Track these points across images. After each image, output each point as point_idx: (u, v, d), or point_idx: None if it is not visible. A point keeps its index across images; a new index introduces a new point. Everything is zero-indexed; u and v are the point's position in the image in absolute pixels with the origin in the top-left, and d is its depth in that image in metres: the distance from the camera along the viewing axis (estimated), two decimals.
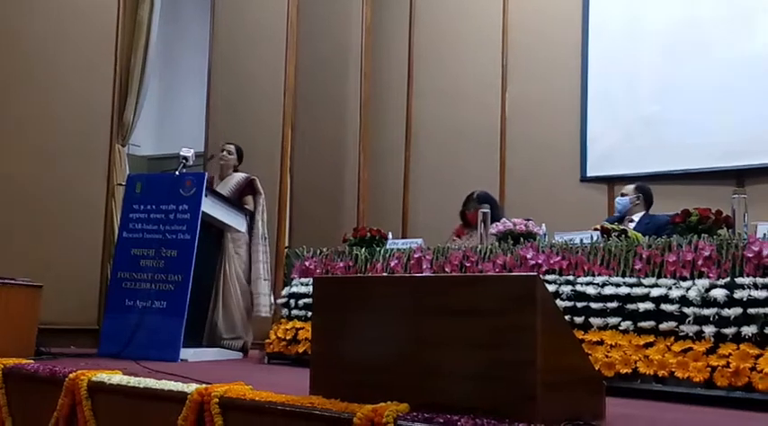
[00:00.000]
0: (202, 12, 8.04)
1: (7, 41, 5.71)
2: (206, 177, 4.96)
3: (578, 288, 3.56)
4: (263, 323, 5.36)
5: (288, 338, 4.65)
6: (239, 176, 5.54)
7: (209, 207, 4.92)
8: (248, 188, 5.48)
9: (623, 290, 3.41)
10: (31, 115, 5.80)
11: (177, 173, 4.93)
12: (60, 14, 6.02)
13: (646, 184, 5.37)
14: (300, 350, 4.52)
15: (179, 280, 4.67)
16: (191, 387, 2.64)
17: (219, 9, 7.50)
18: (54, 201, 5.83)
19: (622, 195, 5.22)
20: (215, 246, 5.21)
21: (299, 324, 4.66)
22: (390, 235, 4.87)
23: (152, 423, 2.73)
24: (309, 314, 4.56)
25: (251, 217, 5.41)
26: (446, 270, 4.13)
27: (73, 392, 3.00)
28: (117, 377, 2.98)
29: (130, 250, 4.90)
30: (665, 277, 3.37)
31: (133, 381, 2.90)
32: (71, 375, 3.05)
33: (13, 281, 4.21)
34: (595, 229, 3.90)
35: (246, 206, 5.40)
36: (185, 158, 5.05)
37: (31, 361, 3.55)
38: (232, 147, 5.58)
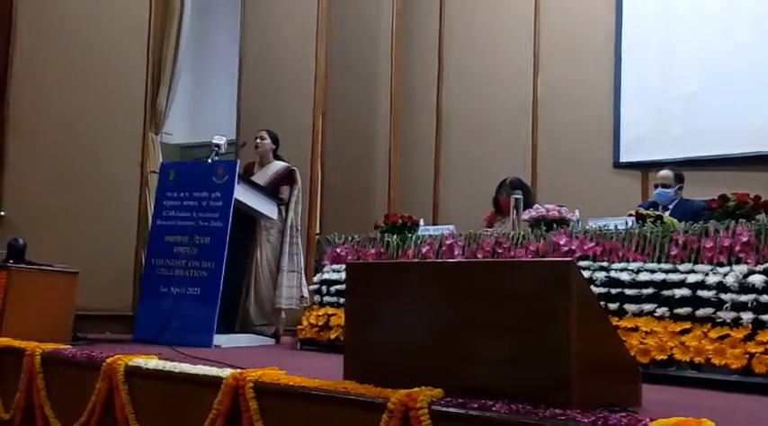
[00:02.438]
0: (234, 0, 8.06)
1: (41, 31, 5.77)
2: (238, 164, 4.98)
3: (612, 274, 3.53)
4: (295, 309, 5.38)
5: (320, 324, 4.67)
6: (279, 165, 5.54)
7: (241, 194, 4.95)
8: (287, 177, 5.48)
9: (659, 276, 3.37)
10: (65, 104, 5.86)
11: (210, 160, 4.96)
12: (92, 2, 6.07)
13: (678, 169, 5.27)
14: (332, 337, 4.54)
15: (212, 267, 4.72)
16: (225, 372, 2.66)
17: None
18: (89, 189, 5.90)
19: (664, 186, 5.06)
20: (248, 234, 5.24)
21: (330, 311, 4.67)
22: (422, 222, 4.86)
23: (187, 407, 2.75)
24: (341, 300, 4.57)
25: (285, 207, 5.42)
26: (478, 256, 4.12)
27: (110, 376, 3.04)
28: (153, 362, 3.01)
29: (164, 237, 4.95)
30: (702, 263, 3.32)
31: (169, 366, 2.94)
32: (108, 360, 3.09)
33: (50, 268, 4.28)
34: (630, 215, 3.86)
35: (281, 195, 5.40)
36: (217, 146, 5.08)
37: (69, 347, 3.60)
38: (265, 133, 5.59)
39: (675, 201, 5.01)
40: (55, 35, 5.85)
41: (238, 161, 5.16)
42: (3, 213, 5.45)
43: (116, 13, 6.20)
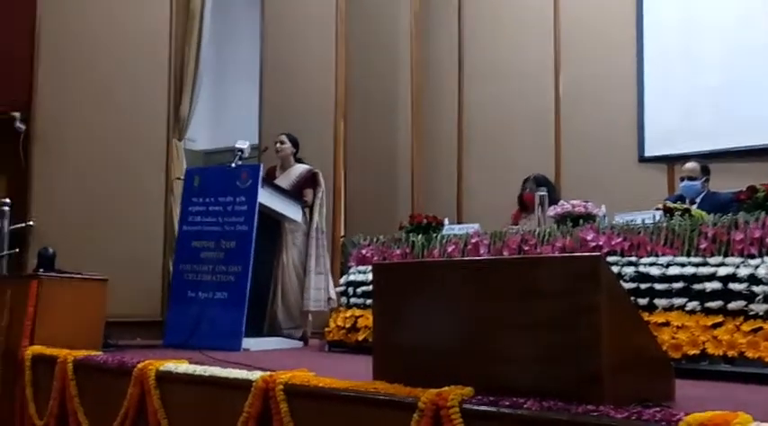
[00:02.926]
0: (252, 5, 8.10)
1: (65, 44, 5.85)
2: (262, 168, 5.00)
3: (641, 269, 3.49)
4: (323, 311, 5.39)
5: (347, 326, 4.67)
6: (302, 168, 5.56)
7: (265, 198, 4.97)
8: (310, 180, 5.50)
9: (689, 270, 3.33)
10: (90, 114, 5.94)
11: (233, 165, 4.99)
12: (113, 10, 6.13)
13: (704, 161, 5.21)
14: (360, 338, 4.54)
15: (239, 271, 4.74)
16: (255, 375, 2.67)
17: (269, 1, 7.55)
18: (115, 197, 5.96)
19: (690, 179, 4.99)
20: (273, 237, 5.26)
21: (357, 312, 4.67)
22: (446, 222, 4.85)
23: (219, 411, 2.77)
24: (368, 301, 4.58)
25: (309, 210, 5.43)
26: (504, 254, 4.10)
27: (141, 381, 3.06)
28: (184, 367, 3.03)
29: (191, 242, 4.99)
30: (732, 255, 3.28)
31: (199, 370, 2.95)
32: (139, 365, 3.11)
33: (79, 276, 4.32)
34: (657, 209, 3.82)
35: (305, 198, 5.42)
36: (241, 150, 5.11)
37: (100, 353, 3.64)
38: (284, 137, 5.61)
39: (703, 194, 4.95)
40: (78, 46, 5.93)
41: (262, 165, 5.18)
42: (32, 223, 5.53)
43: (137, 22, 6.26)
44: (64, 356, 3.53)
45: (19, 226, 5.54)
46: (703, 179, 4.99)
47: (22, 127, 5.76)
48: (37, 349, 3.79)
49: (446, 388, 2.13)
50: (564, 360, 2.11)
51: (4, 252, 5.35)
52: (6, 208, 5.43)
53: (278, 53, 7.43)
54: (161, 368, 3.06)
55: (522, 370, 2.19)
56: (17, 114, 5.76)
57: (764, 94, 5.91)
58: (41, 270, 4.29)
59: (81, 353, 3.55)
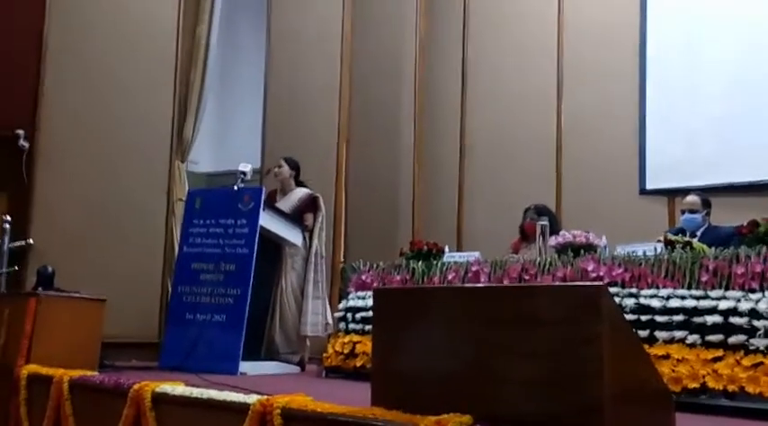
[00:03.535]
0: (258, 29, 8.17)
1: (70, 61, 5.88)
2: (264, 191, 5.01)
3: (642, 300, 3.48)
4: (321, 337, 5.37)
5: (345, 352, 4.65)
6: (302, 192, 5.56)
7: (266, 221, 4.97)
8: (311, 205, 5.50)
9: (689, 303, 3.33)
10: (93, 133, 5.95)
11: (236, 187, 4.99)
12: (120, 32, 6.18)
13: (705, 195, 5.21)
14: (358, 364, 4.52)
15: (238, 294, 4.73)
16: (252, 398, 2.64)
17: (275, 26, 7.61)
18: (116, 217, 5.96)
19: (691, 211, 4.99)
20: (273, 260, 5.26)
21: (356, 338, 4.65)
22: (447, 249, 4.85)
23: None
24: (366, 327, 4.56)
25: (309, 234, 5.42)
26: (504, 283, 4.09)
27: (137, 403, 3.04)
28: (180, 389, 3.01)
29: (191, 264, 4.98)
30: (734, 289, 3.27)
31: (196, 392, 2.93)
32: (135, 386, 3.09)
33: (77, 295, 4.31)
34: (659, 241, 3.82)
35: (306, 222, 5.41)
36: (243, 173, 5.12)
37: (96, 373, 3.62)
38: (282, 161, 5.62)
39: (704, 227, 4.95)
40: (83, 65, 5.96)
41: (264, 188, 5.19)
42: (32, 241, 5.52)
43: (143, 43, 6.31)
44: (60, 375, 3.51)
45: (19, 243, 5.53)
46: (704, 212, 4.99)
47: (26, 144, 5.78)
48: (33, 368, 3.76)
49: (445, 416, 2.12)
50: (564, 390, 2.10)
51: (3, 270, 5.33)
52: (7, 226, 5.44)
53: (282, 77, 7.48)
54: (157, 390, 3.03)
55: (522, 399, 2.17)
56: (21, 132, 5.78)
57: (764, 130, 5.93)
58: (40, 288, 4.28)
59: (77, 373, 3.53)
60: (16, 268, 5.45)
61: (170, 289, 5.61)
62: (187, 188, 6.41)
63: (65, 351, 3.92)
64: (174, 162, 6.45)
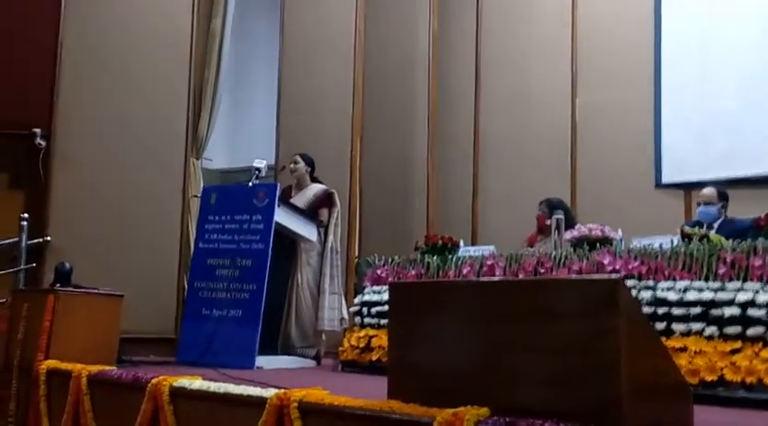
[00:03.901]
0: (271, 26, 8.18)
1: (85, 62, 5.93)
2: (279, 187, 5.02)
3: (659, 293, 3.47)
4: (337, 331, 5.38)
5: (361, 346, 4.66)
6: (317, 188, 5.57)
7: (281, 217, 4.98)
8: (326, 200, 5.51)
9: (707, 295, 3.31)
10: (109, 131, 6.00)
11: (250, 183, 5.01)
12: (135, 30, 6.21)
13: (722, 187, 5.18)
14: (374, 358, 4.53)
15: (254, 289, 4.75)
16: (269, 392, 2.66)
17: (288, 23, 7.62)
18: (132, 213, 6.00)
19: (706, 204, 4.97)
20: (288, 256, 5.27)
21: (371, 332, 4.66)
22: (462, 243, 4.84)
23: None
24: (382, 321, 4.57)
25: (324, 229, 5.43)
26: (520, 276, 4.08)
27: (155, 397, 3.06)
28: (197, 383, 3.03)
29: (206, 260, 5.00)
30: (751, 281, 3.25)
31: (213, 386, 2.95)
32: (153, 380, 3.11)
33: (95, 291, 4.34)
34: (675, 233, 3.80)
35: (321, 217, 5.43)
36: (258, 169, 5.14)
37: (114, 368, 3.64)
38: (299, 157, 5.62)
39: (720, 220, 4.92)
40: (98, 64, 6.00)
41: (279, 184, 5.20)
42: (49, 238, 5.57)
43: (158, 40, 6.34)
44: (78, 370, 3.54)
45: (37, 241, 5.59)
46: (720, 204, 4.96)
47: (43, 143, 5.83)
48: (52, 363, 3.80)
49: (462, 409, 2.12)
50: (581, 384, 2.09)
51: (22, 267, 5.40)
52: (24, 223, 5.49)
53: (296, 74, 7.49)
54: (175, 384, 3.05)
55: (539, 392, 2.17)
56: (38, 131, 5.83)
57: None
58: (58, 284, 4.32)
59: (95, 368, 3.56)
60: (34, 265, 5.51)
61: (186, 285, 5.64)
62: (202, 185, 6.43)
63: (83, 347, 3.96)
64: (188, 159, 6.48)
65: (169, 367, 4.23)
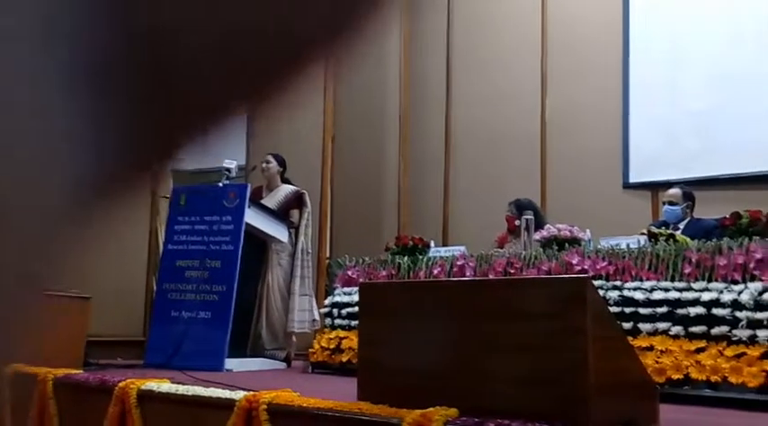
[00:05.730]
0: None
1: None
2: (249, 188, 5.00)
3: (626, 293, 3.50)
4: (307, 333, 5.36)
5: (331, 347, 4.65)
6: (288, 189, 5.55)
7: (251, 218, 4.95)
8: (297, 201, 5.49)
9: (673, 295, 3.35)
10: None
11: (221, 184, 4.98)
12: None
13: (688, 188, 5.25)
14: (344, 360, 4.52)
15: (223, 291, 4.72)
16: (239, 395, 2.65)
17: None
18: (99, 214, 5.93)
19: (671, 203, 5.04)
20: (258, 257, 5.24)
21: (342, 334, 4.65)
22: (432, 244, 4.85)
23: None
24: (353, 323, 4.56)
25: (295, 231, 5.42)
26: (490, 277, 4.10)
27: (123, 400, 3.03)
28: (165, 386, 3.00)
29: (175, 261, 4.96)
30: (716, 281, 3.30)
31: (181, 389, 2.93)
32: (121, 384, 3.08)
33: (62, 293, 4.28)
34: (642, 234, 3.84)
35: (291, 219, 5.41)
36: (228, 170, 5.10)
37: (81, 372, 3.60)
38: (271, 157, 5.60)
39: (687, 220, 4.98)
40: None
41: (250, 184, 5.18)
42: None
43: None
44: (44, 374, 3.49)
45: None
46: (684, 204, 5.03)
47: None
48: (16, 366, 3.73)
49: (431, 409, 2.13)
50: (549, 382, 2.11)
51: None
52: None
53: None
54: (142, 387, 3.03)
55: (508, 391, 2.19)
56: None
57: (748, 122, 5.99)
58: None
59: (61, 371, 3.51)
60: None
61: (155, 287, 5.58)
62: (171, 185, 6.37)
63: (49, 350, 3.90)
64: None
65: (137, 370, 4.19)
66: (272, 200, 5.45)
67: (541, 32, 7.09)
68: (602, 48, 6.77)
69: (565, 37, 6.96)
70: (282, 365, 5.15)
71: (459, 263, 4.29)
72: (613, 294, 3.53)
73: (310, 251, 5.53)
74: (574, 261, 3.79)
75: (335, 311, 4.81)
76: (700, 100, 6.28)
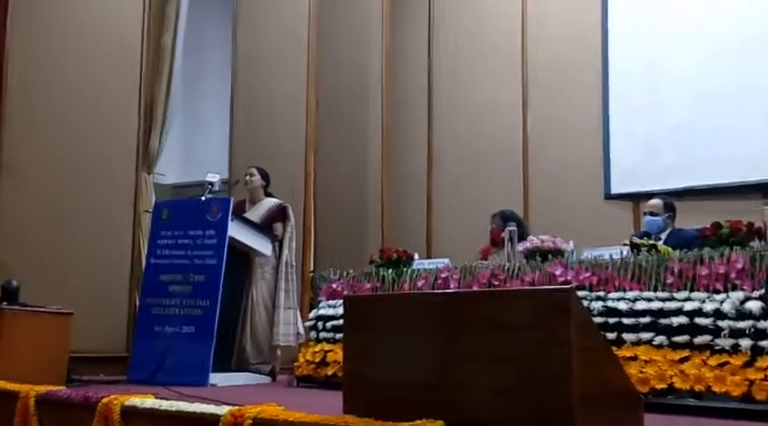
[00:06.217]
0: (224, 40, 8.14)
1: (32, 72, 5.80)
2: (232, 201, 4.99)
3: (609, 303, 3.53)
4: (292, 346, 5.34)
5: (316, 361, 4.64)
6: (271, 202, 5.54)
7: (235, 231, 4.94)
8: (280, 214, 5.48)
9: (656, 305, 3.38)
10: (57, 145, 5.88)
11: (203, 198, 4.96)
12: (84, 43, 6.11)
13: (669, 198, 5.30)
14: (329, 373, 4.51)
15: (207, 305, 4.70)
16: (223, 409, 2.63)
17: (241, 36, 7.59)
18: (82, 230, 5.88)
19: (652, 214, 5.07)
20: (242, 271, 5.22)
21: (327, 347, 4.64)
22: (416, 256, 4.86)
23: None
24: (338, 336, 4.56)
25: (279, 244, 5.40)
26: (474, 289, 4.11)
27: (106, 417, 3.00)
28: (149, 401, 2.97)
29: (158, 276, 4.93)
30: (698, 290, 3.33)
31: (165, 405, 2.90)
32: (104, 400, 3.05)
33: (43, 309, 4.25)
34: (624, 244, 3.87)
35: (275, 232, 5.40)
36: (211, 183, 5.09)
37: (64, 388, 3.56)
38: (254, 170, 5.60)
39: (668, 231, 5.02)
40: (46, 79, 5.89)
41: (232, 198, 5.17)
42: None
43: (108, 52, 6.25)
44: (26, 391, 3.44)
45: None
46: (666, 215, 5.06)
47: None
48: None
49: (417, 422, 2.13)
50: (534, 393, 2.12)
51: None
52: None
53: (249, 88, 7.46)
54: (126, 403, 3.00)
55: (493, 403, 2.18)
56: None
57: (723, 136, 6.07)
58: (5, 303, 4.21)
59: (43, 388, 3.47)
60: None
61: (138, 302, 5.55)
62: (154, 200, 6.34)
63: (31, 366, 3.87)
64: (140, 174, 6.38)
65: (120, 385, 4.16)
66: (255, 214, 5.44)
67: (521, 48, 7.17)
68: (581, 64, 6.85)
69: (545, 54, 7.04)
70: (267, 379, 5.13)
71: (443, 275, 4.30)
72: (597, 304, 3.55)
73: (294, 264, 5.52)
74: (557, 272, 3.81)
75: (320, 324, 4.81)
76: (677, 114, 6.37)
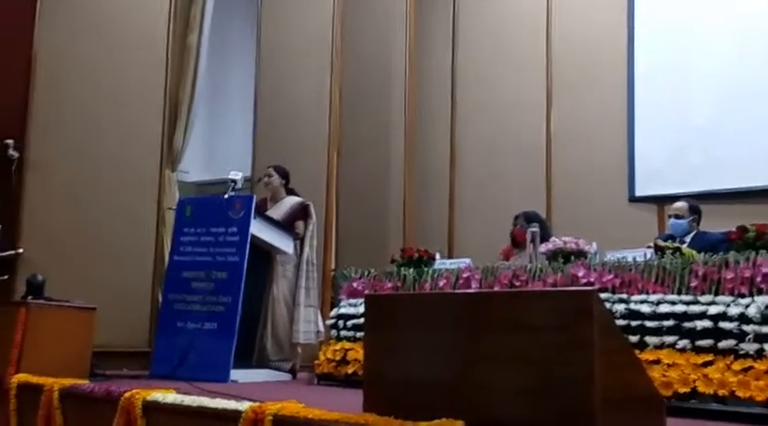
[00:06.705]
0: (248, 39, 8.18)
1: (58, 70, 5.87)
2: (255, 199, 5.01)
3: (632, 306, 3.50)
4: (312, 344, 5.36)
5: (337, 359, 4.64)
6: (293, 200, 5.55)
7: (257, 229, 4.96)
8: (302, 212, 5.49)
9: (679, 308, 3.34)
10: (83, 143, 5.94)
11: (226, 195, 4.99)
12: (110, 42, 6.17)
13: (694, 201, 5.24)
14: (350, 371, 4.51)
15: (229, 302, 4.72)
16: (244, 405, 2.64)
17: (265, 35, 7.63)
18: (106, 226, 5.95)
19: (677, 217, 5.01)
20: (264, 268, 5.24)
21: (347, 345, 4.65)
22: (438, 256, 4.85)
23: None
24: (358, 334, 4.56)
25: (300, 242, 5.42)
26: (495, 289, 4.10)
27: (128, 411, 3.03)
28: (171, 396, 3.00)
29: (181, 272, 4.97)
30: (723, 294, 3.29)
31: (187, 400, 2.92)
32: (126, 394, 3.08)
33: (68, 304, 4.29)
34: (648, 247, 3.84)
35: (297, 230, 5.41)
36: (234, 181, 5.12)
37: (87, 382, 3.60)
38: (272, 170, 5.60)
39: (693, 234, 4.97)
40: (73, 76, 5.95)
41: (255, 196, 5.19)
42: (21, 250, 5.49)
43: (134, 51, 6.30)
44: (50, 384, 3.49)
45: (9, 253, 5.51)
46: (691, 218, 5.01)
47: (15, 154, 5.76)
48: (23, 377, 3.75)
49: (437, 421, 2.12)
50: (555, 396, 2.10)
51: None
52: None
53: (272, 86, 7.49)
54: (148, 398, 3.02)
55: (514, 404, 2.18)
56: (10, 141, 5.76)
57: (751, 137, 5.99)
58: (30, 297, 4.26)
59: (67, 382, 3.51)
60: (6, 277, 5.43)
61: (160, 298, 5.59)
62: (177, 197, 6.39)
63: (55, 360, 3.91)
64: (163, 171, 6.44)
65: (143, 380, 4.19)
66: (277, 212, 5.45)
67: (546, 47, 7.11)
68: (606, 62, 6.79)
69: (570, 52, 6.99)
70: (287, 376, 5.14)
71: (464, 276, 4.29)
72: (620, 307, 3.53)
73: (315, 262, 5.53)
74: (580, 274, 3.79)
75: (341, 322, 4.81)
76: (703, 115, 6.29)
